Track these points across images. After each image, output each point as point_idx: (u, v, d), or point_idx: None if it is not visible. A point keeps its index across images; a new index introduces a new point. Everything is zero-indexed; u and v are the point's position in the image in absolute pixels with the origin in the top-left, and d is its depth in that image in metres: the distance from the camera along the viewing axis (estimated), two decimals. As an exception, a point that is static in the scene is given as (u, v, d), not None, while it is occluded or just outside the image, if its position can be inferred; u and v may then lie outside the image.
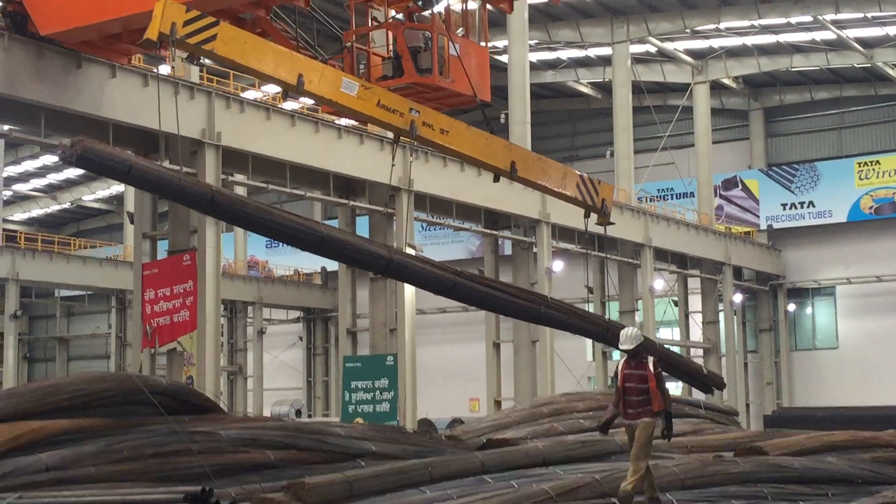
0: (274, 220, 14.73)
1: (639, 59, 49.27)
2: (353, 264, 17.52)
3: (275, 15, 21.07)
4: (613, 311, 44.27)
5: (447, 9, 19.74)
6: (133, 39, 21.17)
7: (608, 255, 41.45)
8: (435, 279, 16.27)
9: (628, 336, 12.24)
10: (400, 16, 19.81)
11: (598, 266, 43.06)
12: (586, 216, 20.88)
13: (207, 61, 21.23)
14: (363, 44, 19.64)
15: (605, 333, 18.52)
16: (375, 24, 19.86)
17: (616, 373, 12.50)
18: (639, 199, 46.54)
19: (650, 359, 12.20)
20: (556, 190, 20.49)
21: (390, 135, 23.37)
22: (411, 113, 18.00)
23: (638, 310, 42.57)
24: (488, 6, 20.77)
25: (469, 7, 20.19)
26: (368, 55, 19.54)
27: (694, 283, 48.38)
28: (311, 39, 21.21)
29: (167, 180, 14.29)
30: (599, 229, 21.67)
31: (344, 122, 27.85)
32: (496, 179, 20.88)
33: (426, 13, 19.57)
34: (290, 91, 17.58)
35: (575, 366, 41.24)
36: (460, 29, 19.91)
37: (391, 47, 19.42)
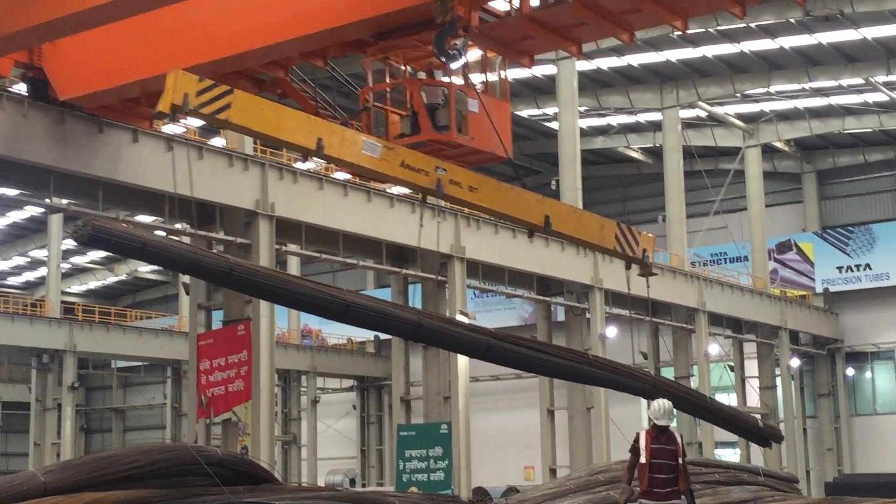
0: (295, 290, 14.27)
1: (689, 124, 49.30)
2: (383, 331, 16.86)
3: (294, 75, 20.99)
4: (668, 376, 43.79)
5: (466, 64, 19.05)
6: (152, 103, 20.83)
7: (662, 321, 41.19)
8: (468, 342, 15.77)
9: (665, 410, 11.73)
10: (421, 73, 19.51)
11: (652, 332, 42.75)
12: (627, 268, 20.44)
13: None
14: (382, 102, 19.26)
15: (651, 389, 17.94)
16: (393, 81, 19.46)
17: (636, 447, 11.82)
18: (692, 263, 46.28)
19: (677, 432, 11.72)
20: (593, 242, 19.94)
21: (442, 203, 23.29)
22: (437, 171, 17.61)
23: (693, 375, 42.14)
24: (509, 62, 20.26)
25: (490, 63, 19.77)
26: (387, 113, 19.12)
27: (750, 348, 47.85)
28: (331, 100, 21.21)
29: (183, 256, 13.87)
30: (645, 284, 21.22)
31: (396, 190, 28.05)
32: (531, 235, 20.46)
33: (453, 66, 18.83)
34: (310, 155, 17.17)
35: (630, 432, 40.62)
36: (479, 84, 19.59)
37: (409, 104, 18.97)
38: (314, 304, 14.38)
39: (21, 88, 22.13)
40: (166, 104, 15.51)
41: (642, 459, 11.64)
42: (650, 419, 11.93)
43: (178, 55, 16.31)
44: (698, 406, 18.99)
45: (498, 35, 18.85)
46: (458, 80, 18.75)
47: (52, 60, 21.29)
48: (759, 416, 20.58)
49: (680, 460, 11.42)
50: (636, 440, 11.81)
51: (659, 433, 11.63)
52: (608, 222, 20.16)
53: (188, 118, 15.88)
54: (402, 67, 19.26)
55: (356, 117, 19.36)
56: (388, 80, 19.42)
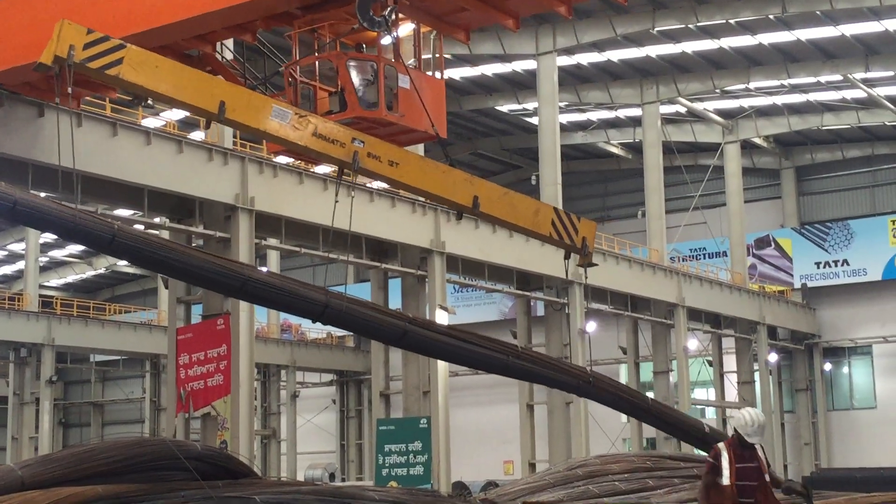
0: (184, 261, 12.86)
1: (669, 120, 49.43)
2: (287, 311, 14.83)
3: (237, 54, 20.21)
4: (647, 372, 44.01)
5: (397, 38, 18.17)
6: (76, 79, 20.32)
7: (641, 316, 41.31)
8: (381, 326, 14.12)
9: (759, 425, 10.01)
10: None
11: (631, 327, 42.89)
12: (566, 257, 18.59)
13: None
14: (311, 78, 18.28)
15: (585, 387, 15.91)
16: (319, 55, 18.38)
17: (716, 466, 10.15)
18: (671, 259, 46.44)
19: (759, 445, 10.11)
20: (526, 228, 18.37)
21: (422, 199, 22.75)
22: (354, 143, 16.32)
23: (672, 370, 42.32)
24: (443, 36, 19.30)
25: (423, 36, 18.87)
26: (315, 89, 18.13)
27: (728, 343, 48.08)
28: (263, 77, 20.22)
29: (59, 218, 12.48)
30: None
31: (376, 185, 28.02)
32: (459, 217, 19.10)
33: (384, 43, 18.13)
34: (211, 120, 15.97)
35: (610, 427, 40.93)
36: (412, 60, 18.55)
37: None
38: (208, 279, 13.16)
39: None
40: (49, 55, 14.48)
41: (724, 481, 10.02)
42: (735, 432, 10.20)
43: (98, 29, 14.99)
44: (639, 408, 16.87)
45: (430, 7, 18.12)
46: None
47: None
48: (705, 422, 18.89)
49: (766, 477, 10.03)
50: (715, 457, 10.18)
51: (743, 449, 10.07)
52: (544, 206, 18.77)
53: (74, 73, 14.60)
54: (333, 42, 18.34)
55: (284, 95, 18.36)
56: (315, 55, 18.44)
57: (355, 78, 17.57)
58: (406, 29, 19.07)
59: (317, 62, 18.32)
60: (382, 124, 17.76)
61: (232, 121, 15.71)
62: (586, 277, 20.37)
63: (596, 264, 19.46)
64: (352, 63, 17.71)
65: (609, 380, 16.80)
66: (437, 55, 19.15)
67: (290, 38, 18.86)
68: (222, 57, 20.12)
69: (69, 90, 14.68)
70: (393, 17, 17.41)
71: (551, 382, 16.33)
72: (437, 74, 19.05)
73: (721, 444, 10.28)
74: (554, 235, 18.20)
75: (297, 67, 18.21)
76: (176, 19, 18.01)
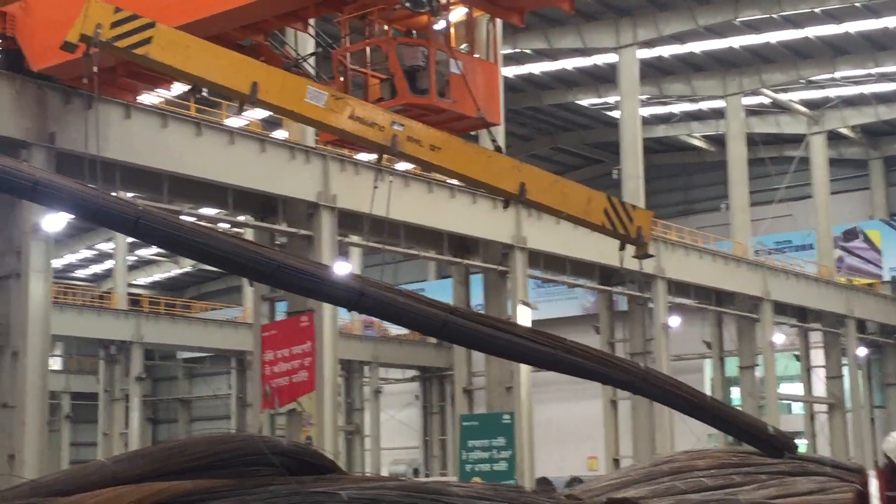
0: (211, 245, 12.07)
1: (752, 111, 48.75)
2: (315, 297, 14.31)
3: (280, 42, 19.75)
4: (732, 366, 43.48)
5: (448, 23, 17.63)
6: (129, 71, 19.60)
7: (726, 310, 40.83)
8: (419, 316, 12.91)
9: None
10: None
11: (715, 321, 42.39)
12: (621, 248, 17.83)
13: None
14: (362, 65, 17.79)
15: (639, 383, 14.69)
16: (367, 41, 17.94)
17: (864, 494, 9.46)
18: (756, 252, 45.83)
19: None
20: (578, 216, 17.69)
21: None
22: (393, 127, 15.83)
23: (758, 365, 41.75)
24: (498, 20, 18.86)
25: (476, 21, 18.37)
26: (366, 76, 17.69)
27: (816, 337, 47.30)
28: (317, 67, 19.73)
29: (83, 199, 11.93)
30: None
31: (456, 181, 28.04)
32: (506, 206, 18.61)
33: (436, 28, 17.60)
34: (244, 101, 15.56)
35: (695, 422, 40.44)
36: (464, 45, 18.06)
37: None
38: (238, 264, 12.39)
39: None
40: (76, 34, 14.28)
41: None
42: (887, 458, 9.40)
43: (153, 18, 14.88)
44: (697, 406, 15.62)
45: None
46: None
47: (24, 29, 20.17)
48: (768, 423, 17.45)
49: None
50: (863, 482, 9.57)
51: (893, 475, 9.23)
52: (597, 195, 17.93)
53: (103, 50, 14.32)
54: (384, 28, 17.93)
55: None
56: (364, 41, 17.99)
57: (405, 63, 17.15)
58: (459, 13, 18.53)
59: (367, 48, 17.88)
60: (433, 111, 17.31)
61: (265, 102, 15.36)
62: (642, 269, 19.03)
63: (652, 255, 18.88)
64: (401, 48, 17.28)
65: (665, 376, 15.65)
66: (491, 39, 18.71)
67: (339, 25, 18.47)
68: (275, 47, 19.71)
69: (94, 69, 14.43)
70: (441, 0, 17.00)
71: (603, 378, 15.01)
72: (492, 59, 18.57)
73: (870, 472, 9.58)
74: (607, 225, 17.61)
75: (347, 54, 17.84)
76: (226, 8, 17.68)
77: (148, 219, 11.84)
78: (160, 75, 18.73)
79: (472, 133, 21.17)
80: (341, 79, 17.68)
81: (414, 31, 17.95)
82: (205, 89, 17.60)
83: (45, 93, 20.77)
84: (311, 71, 19.64)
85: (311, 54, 19.46)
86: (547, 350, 13.76)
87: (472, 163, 16.74)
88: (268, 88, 15.11)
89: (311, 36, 20.77)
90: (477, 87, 17.47)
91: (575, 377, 14.10)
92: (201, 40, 15.31)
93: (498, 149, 17.55)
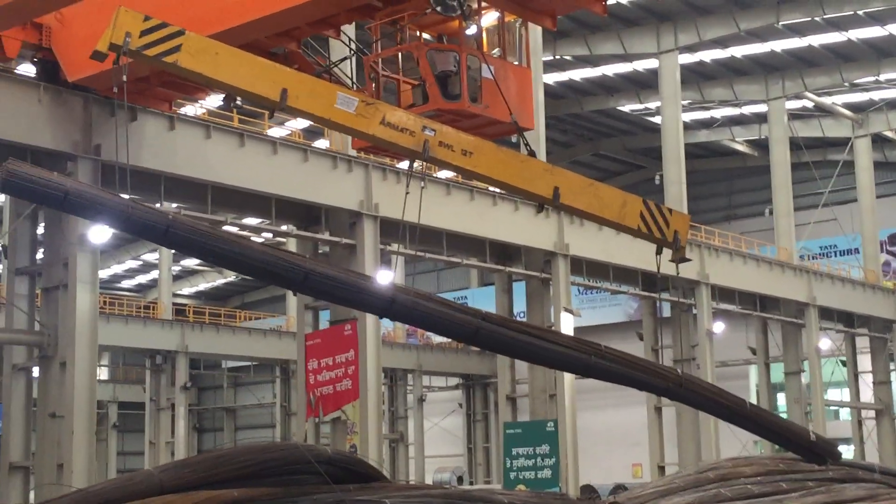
0: (240, 253, 12.53)
1: (795, 115, 48.42)
2: (348, 305, 12.17)
3: (313, 49, 19.77)
4: (778, 373, 43.14)
5: (480, 28, 17.52)
6: (163, 81, 19.82)
7: (771, 315, 40.54)
8: (450, 322, 12.04)
9: None
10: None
11: (760, 327, 42.08)
12: (658, 252, 17.48)
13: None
14: (394, 71, 17.81)
15: (675, 389, 14.99)
16: (398, 47, 17.94)
17: None
18: (801, 257, 45.47)
19: None
20: (612, 220, 17.39)
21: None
22: (424, 132, 15.64)
23: (804, 371, 41.41)
24: (529, 24, 18.69)
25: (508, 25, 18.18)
26: (398, 83, 17.67)
27: (863, 343, 46.81)
28: (352, 75, 19.78)
29: (112, 207, 12.46)
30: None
31: (498, 189, 28.07)
32: (539, 210, 18.40)
33: (468, 34, 17.50)
34: (274, 109, 15.46)
35: (740, 429, 40.20)
36: (496, 50, 17.96)
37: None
38: (267, 271, 11.94)
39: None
40: (105, 43, 14.32)
41: None
42: None
43: (185, 27, 14.87)
44: (737, 413, 15.42)
45: None
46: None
47: (60, 40, 20.30)
48: (811, 429, 16.81)
49: None
50: None
51: None
52: (632, 198, 17.60)
53: (133, 59, 14.35)
54: (416, 34, 17.93)
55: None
56: (395, 48, 18.03)
57: (436, 69, 17.08)
58: (490, 18, 18.50)
59: (398, 54, 17.90)
60: (465, 116, 17.26)
61: (295, 109, 15.27)
62: (678, 273, 18.71)
63: (689, 259, 18.48)
64: (433, 54, 17.24)
65: (703, 382, 15.29)
66: (524, 43, 18.65)
67: (370, 31, 18.45)
68: (309, 54, 19.76)
69: (124, 78, 14.43)
70: (472, 4, 16.99)
71: (638, 384, 14.64)
72: (525, 63, 18.51)
73: None
74: (643, 228, 17.20)
75: (379, 60, 17.80)
76: (257, 16, 17.73)
77: (178, 227, 11.95)
78: (194, 84, 18.84)
79: (512, 140, 21.14)
80: (373, 85, 17.69)
81: (444, 38, 18.00)
82: (239, 98, 17.62)
83: (91, 105, 21.04)
84: (346, 79, 19.65)
85: (341, 60, 19.41)
86: (580, 356, 13.02)
87: (505, 167, 16.55)
88: (297, 94, 15.06)
89: (344, 43, 20.81)
90: (509, 91, 17.41)
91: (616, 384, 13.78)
92: (231, 47, 15.32)
93: (532, 153, 17.32)
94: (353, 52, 20.47)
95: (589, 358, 13.57)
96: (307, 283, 12.16)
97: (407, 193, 17.68)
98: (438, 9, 16.20)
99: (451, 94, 17.02)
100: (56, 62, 20.48)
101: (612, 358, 14.07)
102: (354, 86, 18.87)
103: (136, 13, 14.37)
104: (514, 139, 21.73)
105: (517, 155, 16.90)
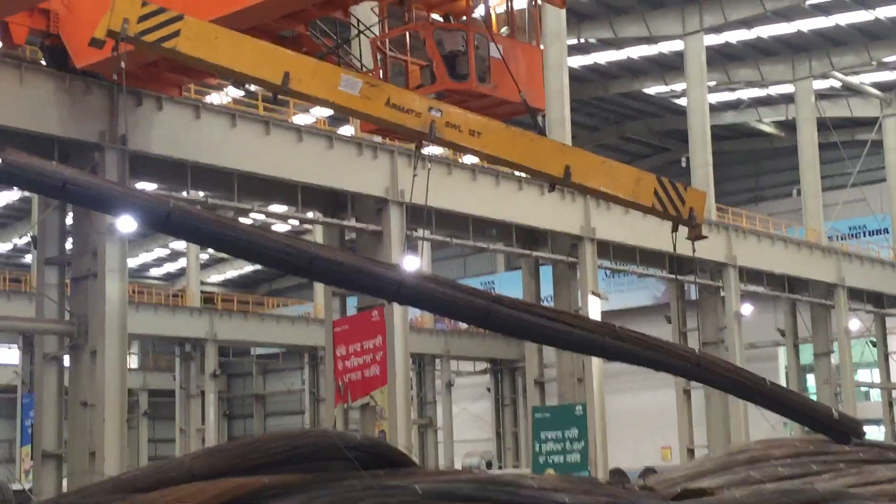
0: (243, 239, 11.91)
1: (823, 95, 48.07)
2: (358, 290, 13.96)
3: (321, 32, 19.60)
4: (807, 354, 42.94)
5: (487, 7, 17.28)
6: (171, 66, 19.63)
7: (800, 297, 40.33)
8: (461, 306, 12.06)
9: None
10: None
11: (789, 309, 41.91)
12: (674, 230, 17.23)
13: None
14: (402, 52, 17.58)
15: (693, 369, 14.69)
16: (404, 27, 17.69)
17: None
18: (829, 237, 45.19)
19: None
20: (626, 199, 17.13)
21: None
22: (431, 112, 15.48)
23: (833, 352, 41.19)
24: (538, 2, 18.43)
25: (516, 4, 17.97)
26: (406, 63, 17.52)
27: (893, 323, 46.51)
28: (335, 45, 19.59)
29: (111, 196, 11.81)
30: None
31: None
32: (551, 189, 18.22)
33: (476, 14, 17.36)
34: (276, 92, 15.41)
35: (769, 411, 40.07)
36: (505, 28, 17.74)
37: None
38: (272, 257, 11.75)
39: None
40: (102, 29, 14.24)
41: None
42: None
43: (190, 12, 14.78)
44: (757, 392, 15.14)
45: None
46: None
47: (67, 26, 20.11)
48: (833, 408, 16.51)
49: None
50: None
51: None
52: (646, 176, 17.38)
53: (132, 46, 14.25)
54: (423, 14, 17.75)
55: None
56: (401, 27, 17.79)
57: (444, 49, 16.87)
58: None
59: (406, 34, 17.66)
60: (474, 96, 17.03)
61: (297, 92, 15.13)
62: (694, 252, 18.37)
63: (706, 237, 18.26)
64: (439, 33, 17.01)
65: (721, 361, 15.19)
66: (534, 22, 18.38)
67: (376, 12, 18.27)
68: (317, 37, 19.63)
69: (122, 63, 14.38)
70: None
71: (655, 365, 14.52)
72: (535, 42, 18.27)
73: None
74: (657, 206, 17.05)
75: (386, 41, 17.65)
76: None
77: (178, 213, 12.03)
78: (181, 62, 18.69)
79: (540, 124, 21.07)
80: (380, 67, 17.49)
81: (451, 18, 17.75)
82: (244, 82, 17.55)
83: (116, 95, 21.10)
84: (355, 61, 19.54)
85: (345, 41, 19.22)
86: (594, 336, 13.53)
87: (514, 147, 16.37)
88: (300, 77, 14.91)
89: (353, 25, 20.59)
90: (519, 71, 17.16)
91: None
92: (231, 31, 15.11)
93: (541, 132, 17.13)
94: (360, 32, 20.29)
95: (603, 339, 13.52)
96: (313, 268, 12.26)
97: (415, 175, 17.58)
98: None
99: (459, 74, 16.83)
100: (64, 49, 20.31)
101: (626, 338, 14.01)
102: (363, 68, 18.62)
103: None
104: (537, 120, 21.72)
105: (526, 133, 16.69)
